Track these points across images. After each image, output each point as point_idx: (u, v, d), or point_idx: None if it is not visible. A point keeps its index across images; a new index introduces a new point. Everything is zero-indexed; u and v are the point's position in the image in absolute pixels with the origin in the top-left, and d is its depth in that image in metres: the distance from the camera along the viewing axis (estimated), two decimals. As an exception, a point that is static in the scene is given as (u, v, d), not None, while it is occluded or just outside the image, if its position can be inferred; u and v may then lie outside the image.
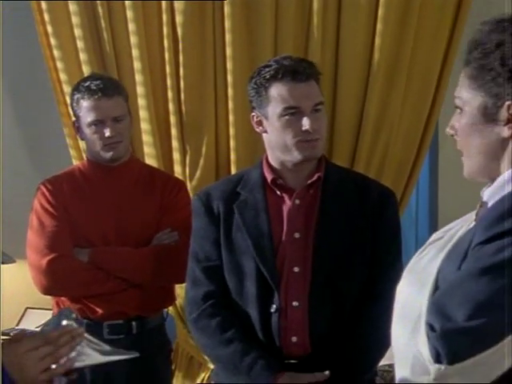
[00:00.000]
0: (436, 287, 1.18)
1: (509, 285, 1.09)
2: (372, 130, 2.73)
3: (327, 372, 1.83)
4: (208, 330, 1.92)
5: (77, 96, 2.29)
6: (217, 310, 1.93)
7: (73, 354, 1.35)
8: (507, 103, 1.18)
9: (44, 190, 2.28)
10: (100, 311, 2.24)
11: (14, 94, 3.23)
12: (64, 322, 1.42)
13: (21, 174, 3.22)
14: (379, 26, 2.66)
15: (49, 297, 3.02)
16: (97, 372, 2.24)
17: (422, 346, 1.10)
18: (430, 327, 1.11)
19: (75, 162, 2.83)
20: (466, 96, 1.24)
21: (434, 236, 1.32)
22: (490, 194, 1.24)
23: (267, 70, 1.91)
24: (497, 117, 1.20)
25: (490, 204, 1.23)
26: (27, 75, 3.17)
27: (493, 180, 1.24)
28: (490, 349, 1.08)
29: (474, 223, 1.25)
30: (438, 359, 1.08)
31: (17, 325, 3.12)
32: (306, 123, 1.87)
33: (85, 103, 2.26)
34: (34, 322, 3.12)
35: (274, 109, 1.91)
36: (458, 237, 1.25)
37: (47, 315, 3.10)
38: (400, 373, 1.17)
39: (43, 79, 2.90)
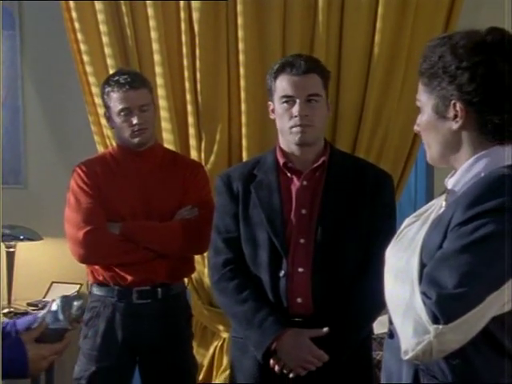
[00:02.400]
0: (421, 254, 1.46)
1: (485, 257, 1.37)
2: (372, 118, 2.98)
3: (326, 329, 2.12)
4: (226, 291, 2.22)
5: (107, 89, 2.55)
6: (234, 275, 2.22)
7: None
8: (452, 102, 1.45)
9: (79, 171, 2.57)
10: (130, 278, 2.51)
11: (43, 85, 3.47)
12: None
13: (47, 159, 3.49)
14: (379, 24, 2.92)
15: (72, 271, 3.35)
16: (127, 331, 2.53)
17: (420, 311, 1.37)
18: (425, 296, 1.36)
19: (99, 147, 3.13)
20: (423, 99, 1.52)
21: (408, 220, 1.58)
22: (455, 182, 1.50)
23: (277, 64, 2.24)
24: (446, 114, 1.47)
25: (457, 189, 1.49)
26: (55, 68, 3.41)
27: (448, 165, 1.52)
28: (473, 310, 1.35)
29: (443, 208, 1.51)
30: (435, 321, 1.33)
31: (43, 297, 3.39)
32: (295, 110, 2.17)
33: (114, 95, 2.53)
34: (59, 294, 3.40)
35: (277, 97, 2.23)
36: (432, 218, 1.51)
37: (71, 288, 3.40)
38: (403, 330, 1.40)
39: (70, 71, 3.18)
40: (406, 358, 1.39)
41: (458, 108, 1.45)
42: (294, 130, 2.19)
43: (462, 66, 1.43)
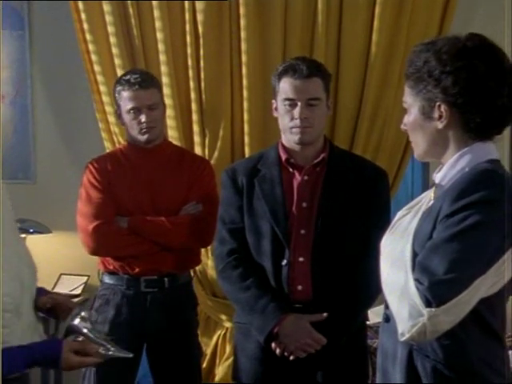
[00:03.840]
0: (413, 244, 1.60)
1: (471, 245, 1.51)
2: (370, 115, 3.12)
3: (325, 314, 2.28)
4: (231, 279, 2.37)
5: (118, 88, 2.69)
6: (238, 263, 2.37)
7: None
8: (437, 104, 1.58)
9: (91, 168, 2.71)
10: (137, 268, 2.66)
11: (51, 83, 3.59)
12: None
13: (56, 155, 3.61)
14: (376, 23, 3.06)
15: (80, 263, 3.47)
16: (135, 318, 2.68)
17: (414, 296, 1.49)
18: (418, 282, 1.49)
19: (106, 144, 3.27)
20: (409, 101, 1.65)
21: (401, 213, 1.72)
22: (442, 177, 1.64)
23: (281, 67, 2.39)
24: (432, 114, 1.60)
25: (444, 183, 1.63)
26: (63, 67, 3.53)
27: (435, 160, 1.67)
28: (462, 293, 1.50)
29: (432, 201, 1.65)
30: (428, 304, 1.47)
31: (52, 289, 3.45)
32: (296, 113, 2.33)
33: (125, 94, 2.67)
34: (67, 286, 3.55)
35: (280, 98, 2.38)
36: (423, 210, 1.66)
37: (79, 280, 3.56)
38: (399, 313, 1.54)
39: (78, 70, 3.31)
40: (403, 339, 1.54)
41: (442, 109, 1.59)
42: (295, 130, 2.35)
43: (446, 71, 1.57)
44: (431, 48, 1.61)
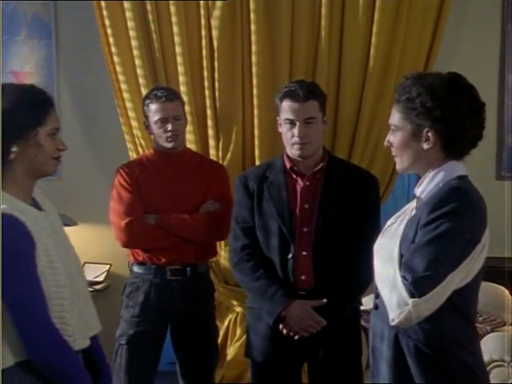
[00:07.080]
0: (400, 247, 1.91)
1: (444, 247, 1.82)
2: (366, 126, 3.49)
3: (325, 300, 2.66)
4: (244, 271, 2.75)
5: (147, 101, 3.06)
6: (250, 257, 2.73)
7: None
8: (425, 129, 1.90)
9: (121, 171, 3.08)
10: (164, 259, 3.03)
11: (77, 89, 3.97)
12: None
13: (80, 154, 4.00)
14: (375, 28, 3.40)
15: (103, 253, 3.90)
16: (161, 302, 3.04)
17: (401, 290, 1.82)
18: (404, 278, 1.82)
19: (128, 145, 3.64)
20: (399, 124, 1.94)
21: (390, 221, 2.03)
22: (421, 191, 1.95)
23: (283, 90, 2.77)
24: (420, 137, 1.91)
25: (423, 196, 1.93)
26: (89, 74, 3.93)
27: (413, 171, 2.00)
28: (438, 286, 1.80)
29: (414, 211, 1.95)
30: (412, 296, 1.80)
31: None
32: (295, 131, 2.72)
33: (153, 106, 3.03)
34: (91, 273, 3.95)
35: (282, 117, 2.77)
36: (407, 219, 1.97)
37: (102, 268, 3.99)
38: (390, 303, 1.84)
39: (103, 78, 3.70)
40: (393, 324, 1.87)
41: (430, 134, 1.91)
42: (295, 146, 2.73)
43: (435, 105, 1.89)
44: (423, 83, 1.91)
